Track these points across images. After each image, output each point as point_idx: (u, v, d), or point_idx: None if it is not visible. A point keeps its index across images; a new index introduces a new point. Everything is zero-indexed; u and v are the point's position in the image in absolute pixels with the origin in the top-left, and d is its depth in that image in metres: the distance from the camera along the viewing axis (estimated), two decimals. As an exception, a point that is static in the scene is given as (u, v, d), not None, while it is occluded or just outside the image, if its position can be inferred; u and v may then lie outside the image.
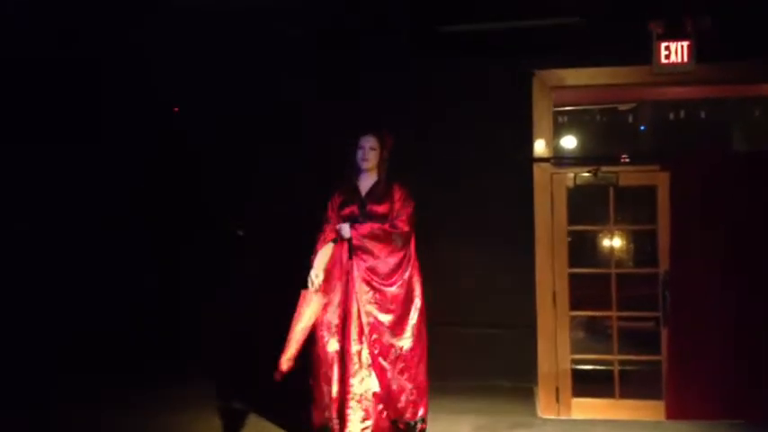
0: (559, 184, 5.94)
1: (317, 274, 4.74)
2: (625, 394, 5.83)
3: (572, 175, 5.91)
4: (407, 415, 4.68)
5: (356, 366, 4.62)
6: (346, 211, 4.86)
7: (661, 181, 5.76)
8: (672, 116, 7.00)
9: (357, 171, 4.94)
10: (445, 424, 5.15)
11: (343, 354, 4.64)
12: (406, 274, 4.76)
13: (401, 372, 4.66)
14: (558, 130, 6.22)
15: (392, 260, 4.74)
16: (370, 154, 4.89)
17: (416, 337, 4.72)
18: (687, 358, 5.55)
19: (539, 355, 5.86)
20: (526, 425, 5.38)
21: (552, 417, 5.71)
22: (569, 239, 5.97)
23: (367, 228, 4.75)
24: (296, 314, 4.72)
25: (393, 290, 4.71)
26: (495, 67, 5.96)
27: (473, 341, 5.99)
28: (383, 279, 4.72)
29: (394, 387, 4.65)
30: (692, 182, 5.66)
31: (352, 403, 4.59)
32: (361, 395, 4.61)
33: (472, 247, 6.01)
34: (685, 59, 5.55)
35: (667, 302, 5.68)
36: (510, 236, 5.93)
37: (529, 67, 5.92)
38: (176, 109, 6.59)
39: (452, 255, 5.97)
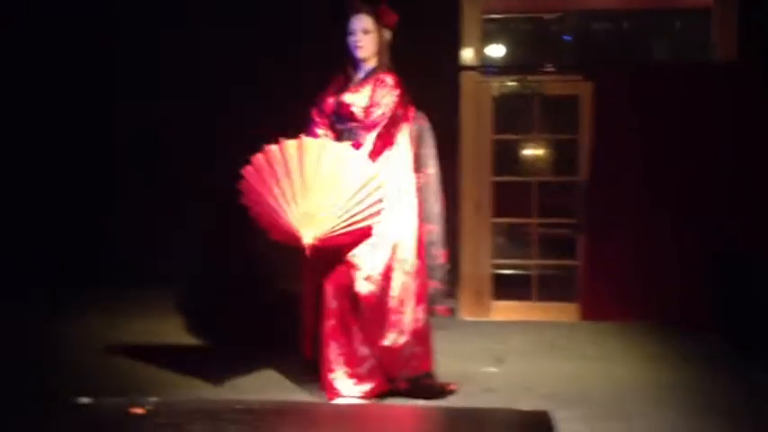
0: (485, 93, 5.97)
1: None
2: (542, 297, 6.08)
3: (497, 84, 5.95)
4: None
5: None
6: (328, 107, 4.06)
7: (584, 91, 5.86)
8: (596, 27, 7.07)
9: (356, 61, 4.04)
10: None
11: None
12: None
13: None
14: (484, 39, 6.20)
15: None
16: (363, 39, 3.98)
17: None
18: (601, 263, 5.79)
19: (461, 261, 6.01)
20: (446, 326, 5.51)
21: (472, 318, 5.93)
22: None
23: None
24: None
25: None
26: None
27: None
28: None
29: None
30: (614, 92, 5.78)
31: None
32: None
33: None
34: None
35: (584, 210, 5.87)
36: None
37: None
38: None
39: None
